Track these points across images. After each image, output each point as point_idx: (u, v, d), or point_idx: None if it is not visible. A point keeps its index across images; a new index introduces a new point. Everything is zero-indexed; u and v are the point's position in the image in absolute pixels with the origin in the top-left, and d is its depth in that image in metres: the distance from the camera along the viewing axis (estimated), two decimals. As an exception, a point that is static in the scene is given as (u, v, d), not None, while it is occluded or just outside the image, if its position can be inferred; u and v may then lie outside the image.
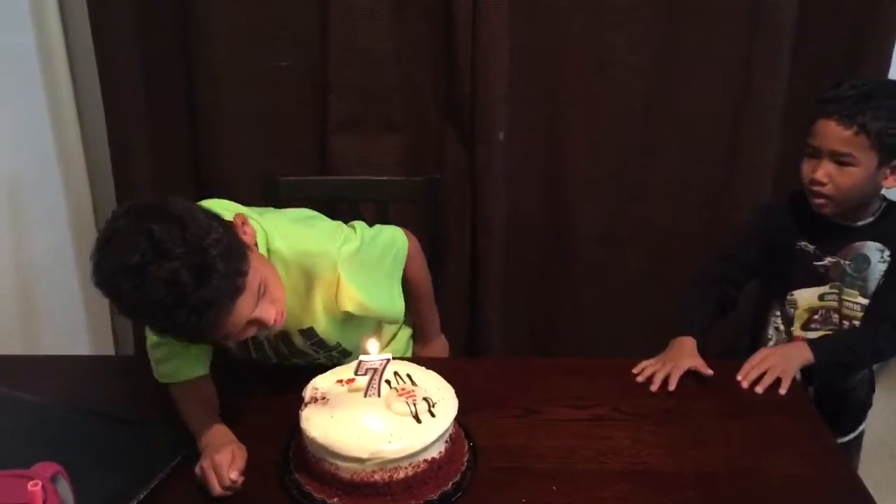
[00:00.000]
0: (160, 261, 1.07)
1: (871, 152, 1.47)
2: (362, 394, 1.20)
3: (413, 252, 1.60)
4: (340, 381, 1.25)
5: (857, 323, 1.61)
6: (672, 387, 1.46)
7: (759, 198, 2.15)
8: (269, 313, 1.22)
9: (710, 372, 1.48)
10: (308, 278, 1.38)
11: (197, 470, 1.21)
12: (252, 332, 1.24)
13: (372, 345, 1.20)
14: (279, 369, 1.50)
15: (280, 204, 1.79)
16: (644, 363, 1.52)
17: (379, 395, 1.20)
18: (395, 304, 1.55)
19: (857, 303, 1.61)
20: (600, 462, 1.27)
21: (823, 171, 1.51)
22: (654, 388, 1.47)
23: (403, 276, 1.58)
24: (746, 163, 2.12)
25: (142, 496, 1.17)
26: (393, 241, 1.56)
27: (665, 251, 2.24)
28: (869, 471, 1.75)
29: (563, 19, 2.01)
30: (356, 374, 1.19)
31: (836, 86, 1.52)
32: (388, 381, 1.23)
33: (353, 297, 1.39)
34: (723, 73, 2.06)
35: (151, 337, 1.40)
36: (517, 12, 1.97)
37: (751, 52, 2.02)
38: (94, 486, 1.13)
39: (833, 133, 1.48)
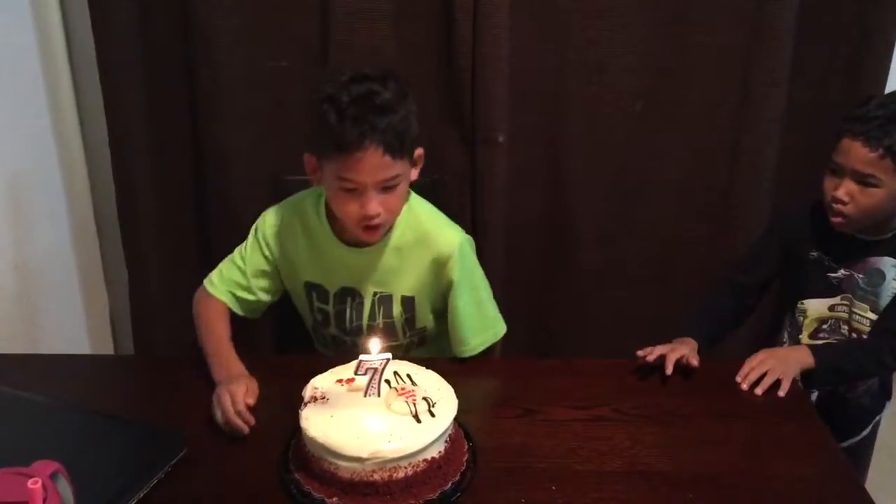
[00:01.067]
0: (380, 84, 1.39)
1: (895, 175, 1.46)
2: (362, 393, 1.20)
3: (496, 349, 1.67)
4: (340, 381, 1.25)
5: (865, 337, 1.60)
6: (669, 370, 1.47)
7: (760, 201, 2.15)
8: (378, 204, 1.40)
9: (695, 363, 1.48)
10: (427, 246, 1.54)
11: (214, 398, 1.33)
12: (352, 209, 1.41)
13: (373, 344, 1.20)
14: (280, 368, 1.50)
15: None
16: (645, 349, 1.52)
17: (379, 395, 1.20)
18: (471, 341, 1.57)
19: (866, 317, 1.60)
20: (600, 462, 1.27)
21: (845, 190, 1.50)
22: (650, 358, 1.48)
23: None
24: (746, 166, 2.12)
25: (141, 494, 1.17)
26: (498, 317, 1.65)
27: (664, 253, 2.24)
28: (872, 475, 1.75)
29: (563, 22, 2.01)
30: (356, 373, 1.20)
31: (864, 104, 1.50)
32: (387, 381, 1.23)
33: (455, 276, 1.54)
34: (722, 77, 2.06)
35: (242, 254, 1.59)
36: (517, 14, 1.97)
37: (750, 55, 2.02)
38: (93, 485, 1.13)
39: (858, 153, 1.47)
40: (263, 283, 1.61)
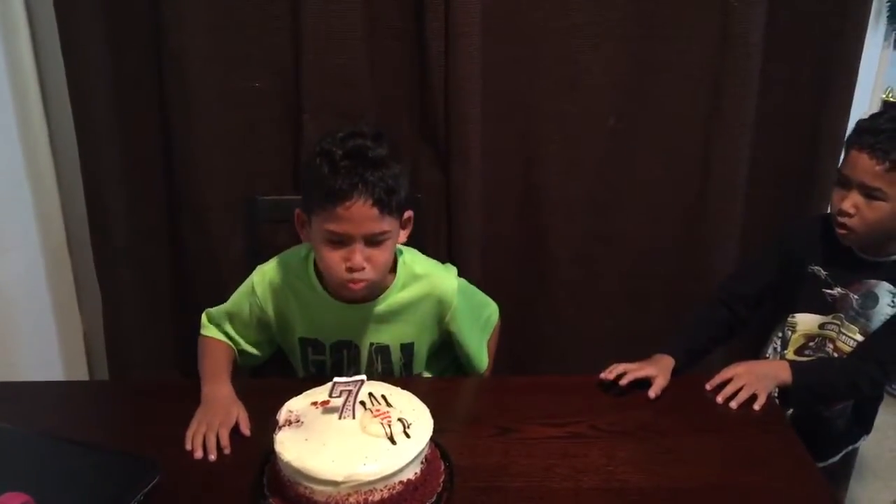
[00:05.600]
0: (373, 141, 1.40)
1: None
2: (337, 416, 1.19)
3: (497, 327, 1.76)
4: (315, 404, 1.24)
5: (845, 357, 1.60)
6: (617, 380, 1.49)
7: (732, 214, 2.17)
8: (363, 259, 1.40)
9: (652, 395, 1.48)
10: (426, 297, 1.57)
11: (200, 413, 1.37)
12: (337, 262, 1.40)
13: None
14: (254, 390, 1.48)
15: (261, 222, 1.80)
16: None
17: (353, 417, 1.19)
18: (482, 356, 1.69)
19: (854, 339, 1.59)
20: (576, 480, 1.27)
21: (851, 203, 1.50)
22: (605, 374, 1.50)
23: None
24: (718, 179, 2.14)
25: (114, 524, 1.16)
26: (488, 304, 1.75)
27: (640, 268, 2.25)
28: (853, 486, 1.74)
29: (535, 39, 2.02)
30: (331, 395, 1.19)
31: (875, 116, 1.51)
32: (362, 403, 1.22)
33: (458, 323, 1.59)
34: (693, 91, 2.08)
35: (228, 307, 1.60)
36: (489, 32, 1.98)
37: (720, 70, 2.04)
38: (64, 515, 1.11)
39: (865, 166, 1.47)
40: (254, 338, 1.62)
